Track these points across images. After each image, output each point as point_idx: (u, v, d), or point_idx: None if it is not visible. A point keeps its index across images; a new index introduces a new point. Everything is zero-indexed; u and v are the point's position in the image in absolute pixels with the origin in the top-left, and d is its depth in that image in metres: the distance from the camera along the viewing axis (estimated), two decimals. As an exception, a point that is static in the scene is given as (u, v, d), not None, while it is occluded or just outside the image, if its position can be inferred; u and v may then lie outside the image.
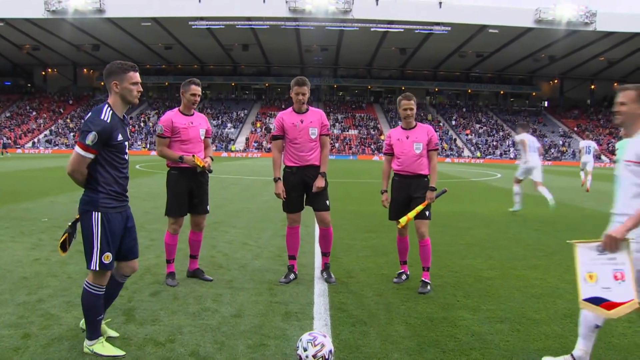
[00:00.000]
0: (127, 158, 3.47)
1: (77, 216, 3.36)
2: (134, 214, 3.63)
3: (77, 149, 3.22)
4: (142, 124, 67.14)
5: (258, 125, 67.95)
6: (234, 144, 62.90)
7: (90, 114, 3.28)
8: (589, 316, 3.19)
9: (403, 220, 5.03)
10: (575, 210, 12.24)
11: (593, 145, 17.43)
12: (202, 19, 52.86)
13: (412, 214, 5.03)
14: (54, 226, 8.04)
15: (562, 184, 20.47)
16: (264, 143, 62.90)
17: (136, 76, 3.39)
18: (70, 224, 3.38)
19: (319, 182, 5.21)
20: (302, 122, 5.22)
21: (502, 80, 77.07)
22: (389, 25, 54.47)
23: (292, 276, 5.26)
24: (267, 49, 65.85)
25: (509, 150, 62.74)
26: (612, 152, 58.30)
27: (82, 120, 3.29)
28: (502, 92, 78.20)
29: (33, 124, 66.88)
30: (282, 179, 5.27)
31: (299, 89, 5.18)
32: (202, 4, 51.48)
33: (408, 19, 52.83)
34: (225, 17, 52.41)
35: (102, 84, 75.77)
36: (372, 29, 55.34)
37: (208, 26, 54.45)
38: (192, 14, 52.15)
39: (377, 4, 51.85)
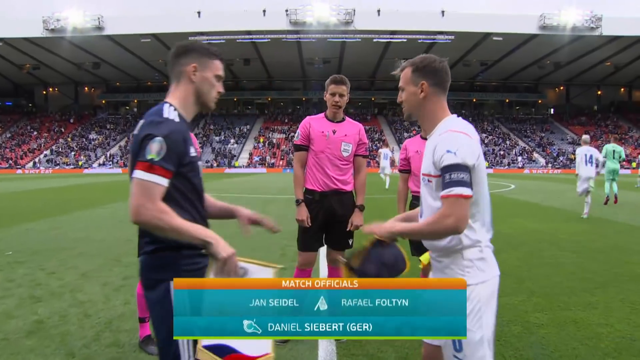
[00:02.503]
0: (203, 186, 2.19)
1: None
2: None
3: (137, 173, 1.90)
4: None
5: (261, 140, 67.05)
6: (237, 160, 61.96)
7: (144, 119, 2.04)
8: None
9: (425, 258, 3.70)
10: (607, 225, 11.03)
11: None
12: (202, 34, 52.21)
13: None
14: (16, 262, 6.92)
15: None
16: (267, 158, 61.92)
17: (222, 69, 2.19)
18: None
19: (357, 219, 4.06)
20: (334, 132, 4.07)
21: (507, 89, 76.06)
22: (391, 36, 53.72)
23: None
24: (268, 63, 65.21)
25: (517, 160, 61.56)
26: (625, 160, 56.98)
27: (133, 132, 2.05)
28: (507, 101, 77.12)
29: (34, 143, 66.22)
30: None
31: (335, 87, 3.98)
32: (202, 19, 51.00)
33: (411, 28, 52.09)
34: (225, 31, 51.86)
35: (104, 102, 75.50)
36: (374, 40, 54.56)
37: (208, 41, 53.64)
38: (191, 29, 51.51)
39: (378, 14, 51.15)
